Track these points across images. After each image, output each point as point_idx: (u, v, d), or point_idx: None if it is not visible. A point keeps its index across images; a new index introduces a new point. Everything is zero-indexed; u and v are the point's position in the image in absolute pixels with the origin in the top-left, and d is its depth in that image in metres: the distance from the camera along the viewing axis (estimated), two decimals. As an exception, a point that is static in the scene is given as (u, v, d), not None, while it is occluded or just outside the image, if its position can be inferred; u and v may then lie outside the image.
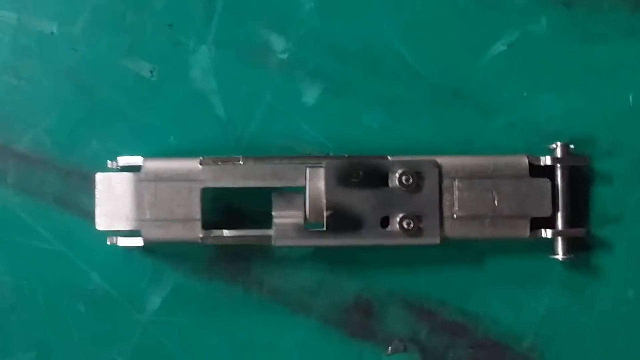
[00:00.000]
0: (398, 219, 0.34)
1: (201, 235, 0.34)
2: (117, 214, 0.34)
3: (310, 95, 0.38)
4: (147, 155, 0.35)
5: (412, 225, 0.34)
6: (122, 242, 0.34)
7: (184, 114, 0.38)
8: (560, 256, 0.35)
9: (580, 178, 0.37)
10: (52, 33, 0.38)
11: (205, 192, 0.35)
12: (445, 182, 0.34)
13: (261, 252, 0.37)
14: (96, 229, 0.35)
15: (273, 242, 0.34)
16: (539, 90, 0.35)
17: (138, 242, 0.34)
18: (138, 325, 0.37)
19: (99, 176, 0.34)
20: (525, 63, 0.37)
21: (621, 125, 0.36)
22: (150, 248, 0.37)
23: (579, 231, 0.35)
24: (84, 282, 0.37)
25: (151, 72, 0.38)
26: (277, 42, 0.38)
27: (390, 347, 0.36)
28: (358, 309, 0.37)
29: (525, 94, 0.37)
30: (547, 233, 0.34)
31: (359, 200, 0.34)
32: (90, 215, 0.36)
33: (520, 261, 0.37)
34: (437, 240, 0.34)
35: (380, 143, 0.37)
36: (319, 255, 0.37)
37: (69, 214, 0.37)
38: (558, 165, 0.35)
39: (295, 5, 0.38)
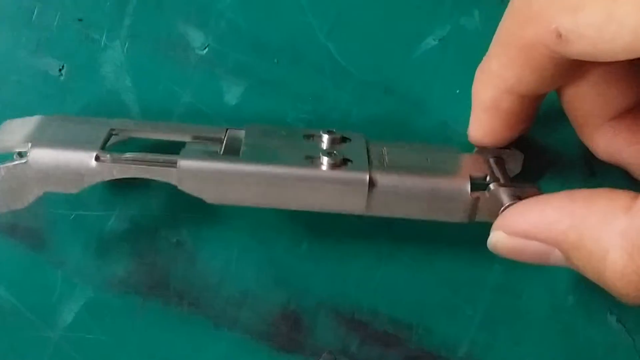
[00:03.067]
0: (324, 157, 0.31)
1: (96, 153, 0.30)
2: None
3: (233, 93, 0.36)
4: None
5: (339, 161, 0.30)
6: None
7: (95, 114, 0.35)
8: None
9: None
10: (-50, 30, 0.35)
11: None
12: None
13: (180, 261, 0.34)
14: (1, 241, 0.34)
15: (178, 166, 0.30)
16: (471, 87, 0.33)
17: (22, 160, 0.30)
18: (49, 342, 0.35)
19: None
20: (457, 59, 0.35)
21: (553, 123, 0.35)
22: (60, 259, 0.34)
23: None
24: (-11, 297, 0.34)
25: (60, 70, 0.36)
26: (196, 37, 0.36)
27: (319, 360, 0.34)
28: (285, 320, 0.35)
29: (457, 91, 0.36)
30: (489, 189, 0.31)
31: (281, 143, 0.31)
32: (-6, 227, 0.33)
33: (454, 266, 0.35)
34: (366, 177, 0.30)
35: (307, 143, 0.35)
36: (243, 263, 0.34)
37: (-29, 225, 0.34)
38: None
39: (215, -3, 0.35)
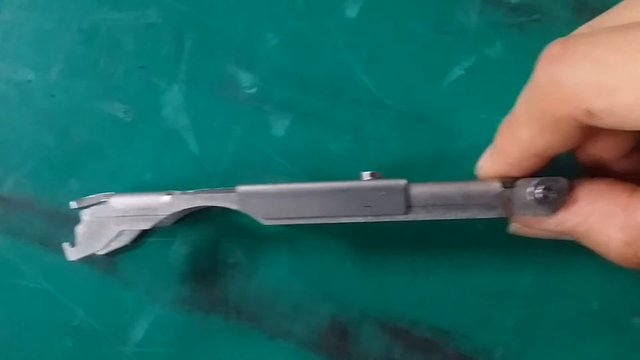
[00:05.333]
0: (364, 172, 0.34)
1: (166, 192, 0.35)
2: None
3: (280, 127, 0.39)
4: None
5: (377, 174, 0.34)
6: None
7: (159, 151, 0.39)
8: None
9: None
10: (29, 80, 0.39)
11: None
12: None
13: (237, 280, 0.38)
14: (79, 267, 0.38)
15: (237, 190, 0.33)
16: (496, 112, 0.36)
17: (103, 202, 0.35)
18: (123, 357, 0.39)
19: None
20: (483, 86, 0.38)
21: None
22: (130, 282, 0.38)
23: None
24: (69, 318, 0.39)
25: (126, 112, 0.39)
26: (245, 78, 0.39)
27: (366, 367, 0.37)
28: (334, 331, 0.38)
29: (484, 116, 0.38)
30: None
31: None
32: (72, 254, 0.37)
33: (487, 277, 0.38)
34: (403, 181, 0.33)
35: (348, 169, 0.39)
36: (294, 281, 0.38)
37: (52, 253, 0.39)
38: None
39: (261, 42, 0.39)
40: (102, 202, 0.34)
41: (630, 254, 0.30)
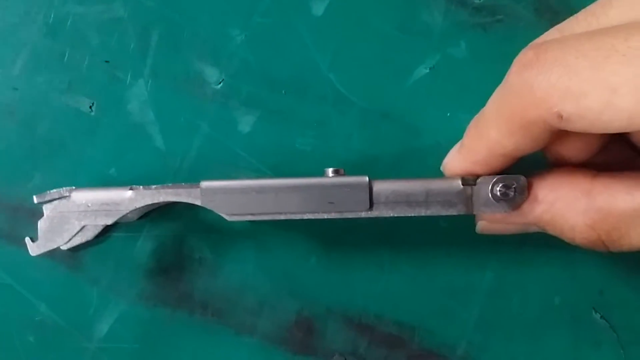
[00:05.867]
0: (327, 169, 0.34)
1: (129, 187, 0.34)
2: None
3: (246, 123, 0.39)
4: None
5: (341, 170, 0.34)
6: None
7: (123, 146, 0.39)
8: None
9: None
10: (-8, 74, 0.39)
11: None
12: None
13: (203, 276, 0.38)
14: (42, 262, 0.37)
15: (200, 186, 0.33)
16: (460, 110, 0.37)
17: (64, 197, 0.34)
18: (87, 352, 0.39)
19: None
20: (447, 85, 0.38)
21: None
22: (95, 277, 0.38)
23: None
24: (32, 313, 0.38)
25: (90, 107, 0.39)
26: (211, 73, 0.39)
27: (331, 362, 0.38)
28: (299, 326, 0.38)
29: (448, 114, 0.39)
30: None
31: None
32: (36, 249, 0.37)
33: (450, 273, 0.38)
34: (366, 178, 0.33)
35: (314, 165, 0.39)
36: (259, 276, 0.38)
37: (15, 248, 0.38)
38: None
39: (227, 37, 0.39)
40: (64, 196, 0.34)
41: (595, 237, 0.30)
